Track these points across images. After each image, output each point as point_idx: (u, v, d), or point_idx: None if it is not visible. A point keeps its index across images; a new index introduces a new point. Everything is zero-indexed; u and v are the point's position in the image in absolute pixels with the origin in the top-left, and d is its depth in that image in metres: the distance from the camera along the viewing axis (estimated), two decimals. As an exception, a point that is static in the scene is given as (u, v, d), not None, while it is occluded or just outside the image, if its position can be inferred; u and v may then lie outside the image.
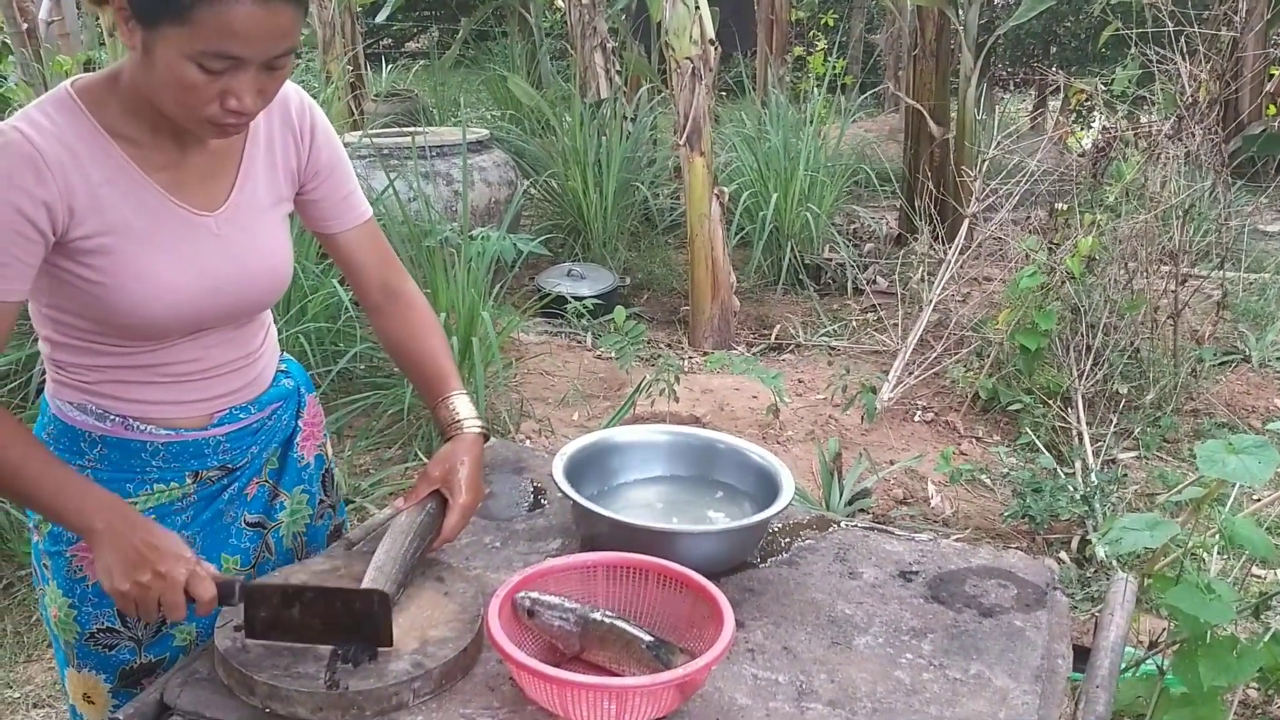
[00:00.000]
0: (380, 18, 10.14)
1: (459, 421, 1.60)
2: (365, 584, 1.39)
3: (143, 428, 1.48)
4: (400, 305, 1.67)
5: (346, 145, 5.42)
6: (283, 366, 1.67)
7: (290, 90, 1.53)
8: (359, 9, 8.68)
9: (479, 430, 1.61)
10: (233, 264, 1.44)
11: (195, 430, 1.51)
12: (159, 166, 1.39)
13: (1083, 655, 1.52)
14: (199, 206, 1.42)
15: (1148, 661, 2.16)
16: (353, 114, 7.39)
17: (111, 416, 1.47)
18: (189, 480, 1.53)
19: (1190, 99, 4.33)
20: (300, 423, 1.67)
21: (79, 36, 5.74)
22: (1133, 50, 5.01)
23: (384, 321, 1.68)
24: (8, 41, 6.24)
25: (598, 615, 1.34)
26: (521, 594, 1.35)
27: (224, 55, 1.23)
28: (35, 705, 2.71)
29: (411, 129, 6.51)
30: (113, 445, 1.47)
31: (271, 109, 1.49)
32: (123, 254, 1.35)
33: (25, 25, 5.71)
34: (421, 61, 11.46)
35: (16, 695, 2.74)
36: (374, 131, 6.06)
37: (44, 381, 1.54)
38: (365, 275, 1.65)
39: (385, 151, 5.36)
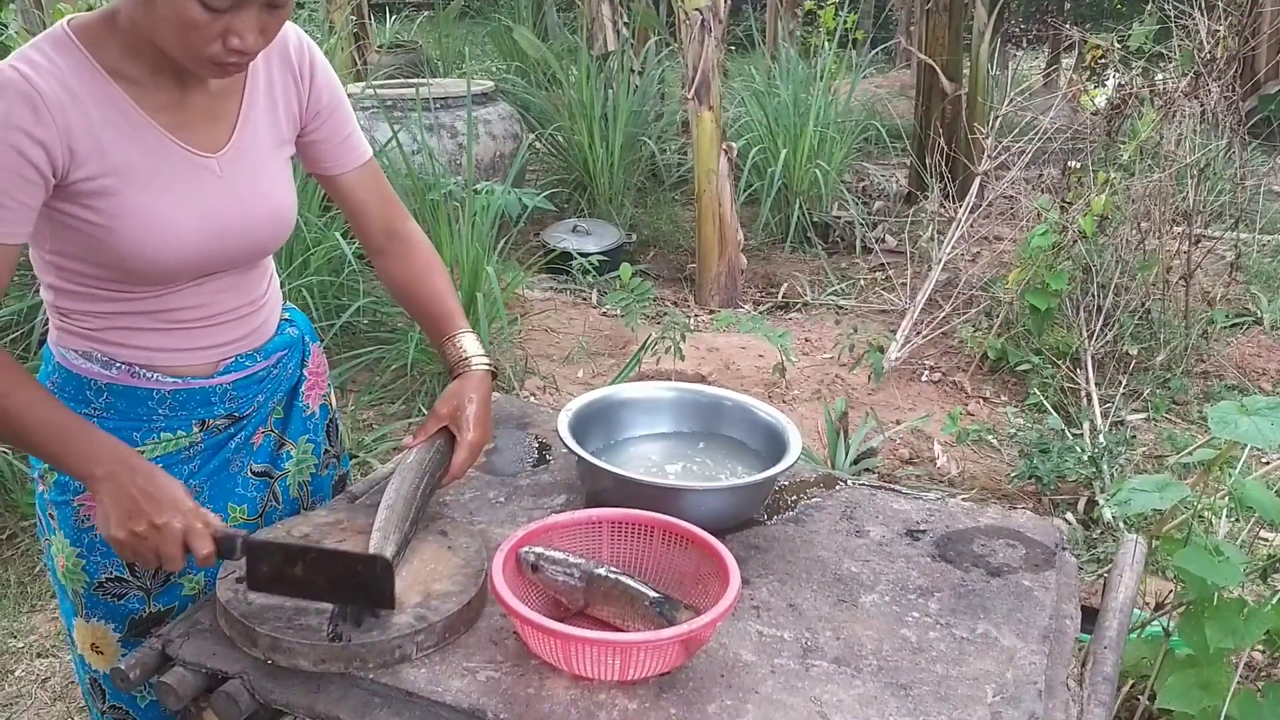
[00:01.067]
0: (385, -32, 10.01)
1: (466, 359, 1.59)
2: (376, 523, 1.39)
3: (148, 375, 1.46)
4: (403, 246, 1.66)
5: (350, 97, 5.40)
6: (286, 315, 1.66)
7: (289, 31, 1.50)
8: (363, -41, 8.56)
9: (486, 367, 1.60)
10: (236, 206, 1.43)
11: (201, 378, 1.50)
12: (160, 107, 1.36)
13: (1090, 616, 1.52)
14: (201, 148, 1.40)
15: (1154, 623, 2.15)
16: (356, 65, 7.32)
17: (117, 364, 1.45)
18: (195, 429, 1.51)
19: (1208, 56, 4.26)
20: (305, 372, 1.66)
21: (79, -16, 5.68)
22: (1150, 6, 4.92)
23: (387, 263, 1.67)
24: (9, -11, 6.17)
25: (602, 571, 1.33)
26: (526, 549, 1.34)
27: None
28: (39, 655, 2.72)
29: (415, 80, 6.44)
30: (118, 393, 1.46)
31: (270, 51, 1.47)
32: (125, 196, 1.33)
33: (26, -28, 5.65)
34: (426, 12, 11.32)
35: (20, 645, 2.75)
36: (377, 83, 5.99)
37: (46, 332, 1.52)
38: (367, 217, 1.64)
39: (389, 103, 5.31)
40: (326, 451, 1.73)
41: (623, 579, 1.32)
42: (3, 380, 1.32)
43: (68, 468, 1.36)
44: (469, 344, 1.61)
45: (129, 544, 1.31)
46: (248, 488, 1.60)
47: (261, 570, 1.32)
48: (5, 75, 1.26)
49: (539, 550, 1.34)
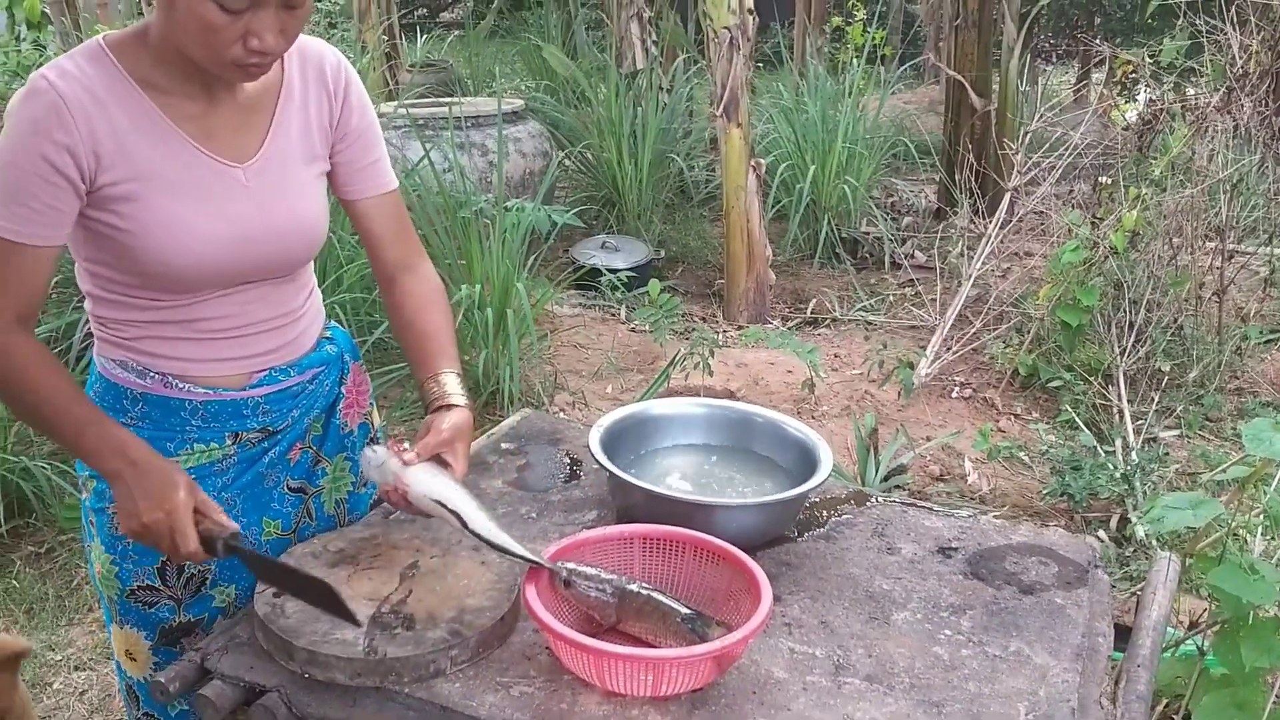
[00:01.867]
0: (416, -12, 10.11)
1: (443, 397, 1.54)
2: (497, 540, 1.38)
3: (181, 385, 1.49)
4: (410, 280, 1.63)
5: (382, 116, 5.46)
6: (328, 333, 1.67)
7: (327, 51, 1.53)
8: (395, -22, 8.66)
9: (463, 405, 1.54)
10: (261, 216, 1.44)
11: (234, 390, 1.52)
12: (188, 116, 1.39)
13: (1123, 634, 1.51)
14: (229, 157, 1.42)
15: (1188, 642, 2.13)
16: (388, 84, 7.39)
17: (151, 373, 1.48)
18: (229, 441, 1.53)
19: (1240, 70, 4.23)
20: (344, 389, 1.67)
21: (116, 6, 5.78)
22: (1181, 20, 4.89)
23: (392, 297, 1.64)
24: (48, 11, 6.29)
25: (634, 587, 1.34)
26: (559, 564, 1.35)
27: None
28: (77, 668, 2.75)
29: (446, 99, 6.49)
30: (153, 403, 1.49)
31: (307, 67, 1.50)
32: (150, 201, 1.36)
33: (65, -5, 5.76)
34: (456, 32, 11.42)
35: (59, 658, 2.78)
36: (409, 102, 6.05)
37: (85, 347, 1.56)
38: (380, 248, 1.63)
39: (420, 122, 5.36)
40: None
41: (655, 595, 1.33)
42: (33, 375, 1.37)
43: (88, 463, 1.42)
44: (452, 383, 1.55)
45: (135, 538, 1.37)
46: (283, 503, 1.62)
47: (255, 570, 1.39)
48: (34, 84, 1.31)
49: (571, 566, 1.35)
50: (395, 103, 5.99)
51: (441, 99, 6.70)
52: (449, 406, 1.53)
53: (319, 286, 1.69)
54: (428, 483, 1.41)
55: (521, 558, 1.36)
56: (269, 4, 1.27)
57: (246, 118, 1.45)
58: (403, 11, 10.42)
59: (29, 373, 1.37)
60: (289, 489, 1.63)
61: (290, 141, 1.48)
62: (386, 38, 7.62)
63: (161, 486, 1.34)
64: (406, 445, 1.47)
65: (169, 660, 1.54)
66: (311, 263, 1.62)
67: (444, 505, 1.39)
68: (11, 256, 1.34)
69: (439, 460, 1.47)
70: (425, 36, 11.21)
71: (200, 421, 1.51)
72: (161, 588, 1.54)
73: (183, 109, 1.39)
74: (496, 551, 1.38)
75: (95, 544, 1.55)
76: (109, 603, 1.57)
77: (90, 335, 1.55)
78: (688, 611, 1.31)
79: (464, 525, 1.38)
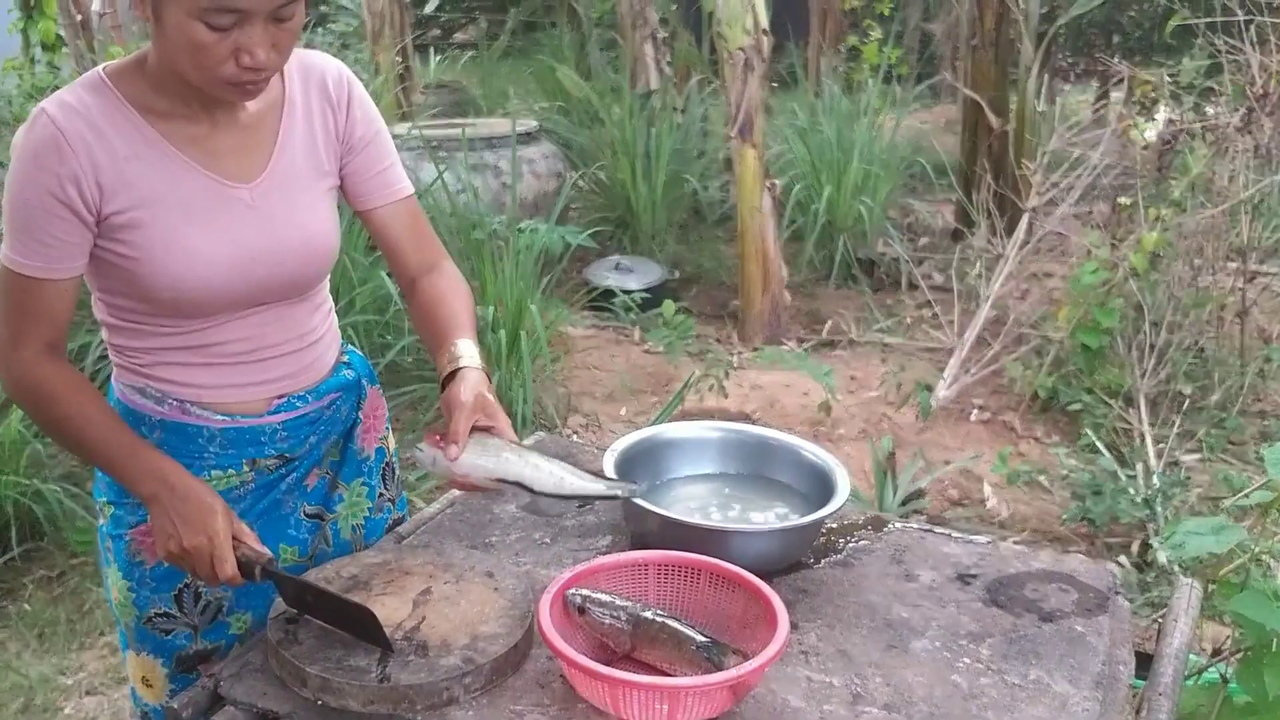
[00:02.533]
0: (429, 8, 10.20)
1: (456, 360, 1.47)
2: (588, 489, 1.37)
3: (199, 411, 1.48)
4: (435, 276, 1.59)
5: (396, 137, 5.47)
6: (345, 357, 1.66)
7: (329, 63, 1.53)
8: (407, 0, 8.72)
9: (478, 366, 1.47)
10: (268, 236, 1.44)
11: (252, 416, 1.51)
12: (191, 139, 1.39)
13: (1144, 661, 1.49)
14: (233, 178, 1.42)
15: (1210, 669, 2.10)
16: (402, 105, 7.43)
17: (169, 400, 1.48)
18: (246, 468, 1.53)
19: (1260, 90, 4.20)
20: (361, 414, 1.67)
21: (130, 28, 5.84)
22: (1200, 40, 4.87)
23: (413, 297, 1.60)
24: (62, 34, 6.36)
25: (649, 614, 1.32)
26: (573, 591, 1.34)
27: (227, 9, 1.24)
28: (88, 693, 2.75)
29: (460, 120, 6.52)
30: (171, 429, 1.48)
31: (309, 81, 1.49)
32: (154, 227, 1.36)
33: (79, 17, 5.83)
34: (470, 52, 11.48)
35: (70, 682, 2.78)
36: (423, 123, 6.08)
37: (97, 370, 1.56)
38: (402, 254, 1.60)
39: (434, 143, 5.38)
40: (381, 495, 1.73)
41: (670, 622, 1.31)
42: (71, 401, 1.39)
43: (125, 486, 1.43)
44: (464, 347, 1.48)
45: (171, 561, 1.38)
46: (299, 529, 1.61)
47: (286, 594, 1.38)
48: (35, 118, 1.32)
49: (586, 592, 1.34)
50: (409, 124, 6.01)
51: (455, 120, 6.74)
52: (458, 372, 1.46)
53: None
54: (481, 465, 1.39)
55: (604, 496, 1.34)
56: (256, 19, 1.26)
57: (250, 137, 1.44)
58: (416, 33, 10.48)
59: (66, 401, 1.39)
60: (306, 514, 1.62)
61: (296, 158, 1.48)
62: (400, 59, 7.67)
63: (201, 512, 1.35)
64: (439, 437, 1.41)
65: (185, 687, 1.53)
66: (327, 284, 1.62)
67: (505, 481, 1.38)
68: (33, 290, 1.36)
69: (482, 427, 1.41)
70: (439, 57, 11.27)
71: (218, 448, 1.50)
72: (178, 614, 1.53)
73: (185, 133, 1.39)
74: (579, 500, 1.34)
75: (112, 570, 1.54)
76: (125, 629, 1.57)
77: (103, 359, 1.56)
78: (703, 639, 1.29)
79: (533, 493, 1.37)
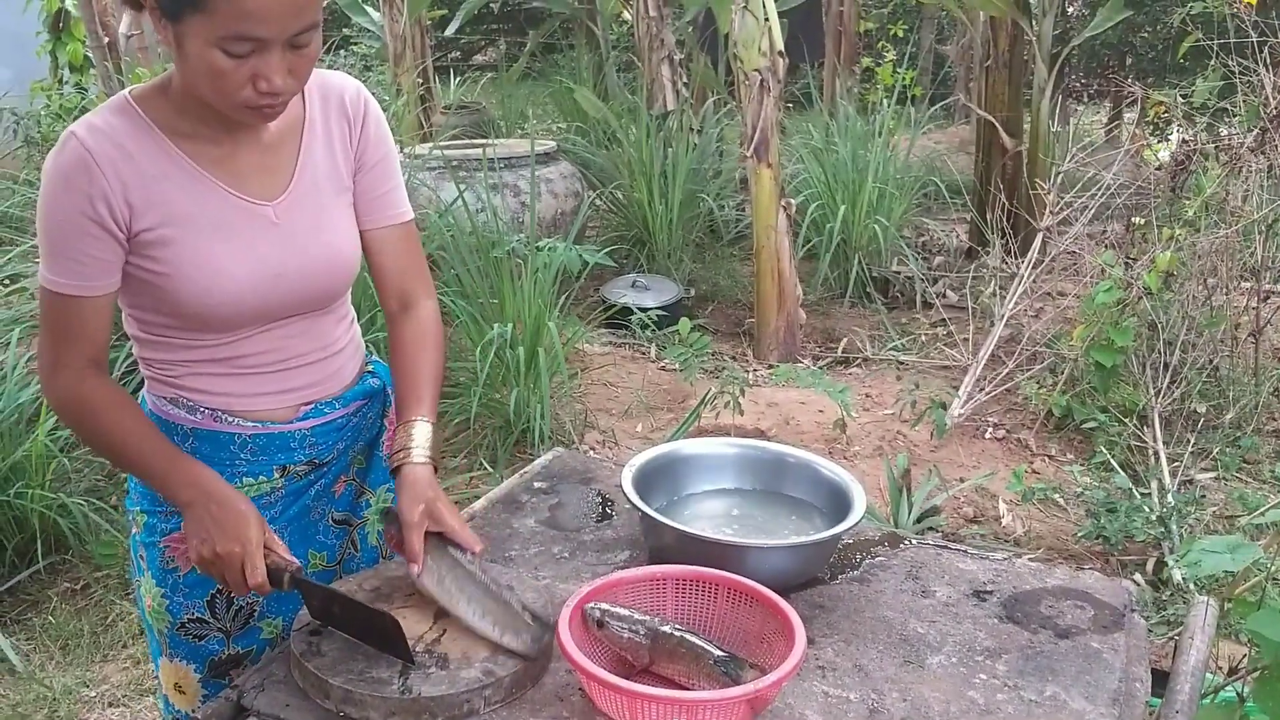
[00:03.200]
0: (449, 31, 10.27)
1: (408, 449, 1.50)
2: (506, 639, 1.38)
3: (229, 419, 1.52)
4: (411, 318, 1.62)
5: (417, 157, 5.54)
6: (369, 367, 1.69)
7: (348, 82, 1.57)
8: (429, 22, 8.80)
9: (425, 461, 1.50)
10: (294, 252, 1.47)
11: (280, 423, 1.55)
12: (215, 160, 1.43)
13: (1160, 679, 1.49)
14: (257, 196, 1.46)
15: (1227, 688, 2.10)
16: (423, 126, 7.50)
17: (201, 409, 1.52)
18: (277, 474, 1.57)
19: (1274, 110, 4.21)
20: (386, 422, 1.70)
21: (157, 50, 5.92)
22: (1213, 61, 4.88)
23: (394, 330, 1.63)
24: (90, 55, 6.45)
25: (667, 628, 1.34)
26: (591, 605, 1.35)
27: (245, 37, 1.27)
28: (111, 704, 2.77)
29: (480, 141, 6.57)
30: (203, 438, 1.52)
31: (328, 100, 1.53)
32: (182, 244, 1.40)
33: (107, 39, 5.90)
34: (489, 74, 11.58)
35: (93, 694, 2.81)
36: (444, 143, 6.13)
37: (125, 382, 1.59)
38: (385, 279, 1.62)
39: (455, 163, 5.43)
40: None
41: (688, 636, 1.33)
42: (112, 415, 1.43)
43: (163, 494, 1.47)
44: (418, 434, 1.52)
45: (204, 568, 1.41)
46: (328, 535, 1.65)
47: (313, 604, 1.42)
48: (64, 141, 1.36)
49: (604, 606, 1.35)
50: (430, 144, 6.07)
51: (475, 140, 6.80)
52: (402, 469, 1.49)
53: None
54: (426, 587, 1.43)
55: (506, 648, 1.36)
56: (274, 47, 1.29)
57: (272, 157, 1.48)
58: (437, 55, 10.58)
59: (108, 415, 1.44)
60: (334, 521, 1.66)
61: (318, 176, 1.51)
62: (421, 80, 7.74)
63: (236, 519, 1.40)
64: (395, 532, 1.46)
65: (217, 692, 1.57)
66: (349, 296, 1.65)
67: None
68: (72, 309, 1.40)
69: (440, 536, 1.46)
70: (459, 79, 11.37)
71: (249, 455, 1.54)
72: (211, 620, 1.57)
73: (209, 154, 1.43)
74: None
75: (146, 578, 1.58)
76: (159, 636, 1.60)
77: (131, 370, 1.60)
78: (721, 654, 1.30)
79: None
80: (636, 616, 1.35)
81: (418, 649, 1.36)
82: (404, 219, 1.62)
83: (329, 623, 1.41)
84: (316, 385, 1.58)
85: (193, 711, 1.60)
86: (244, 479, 1.54)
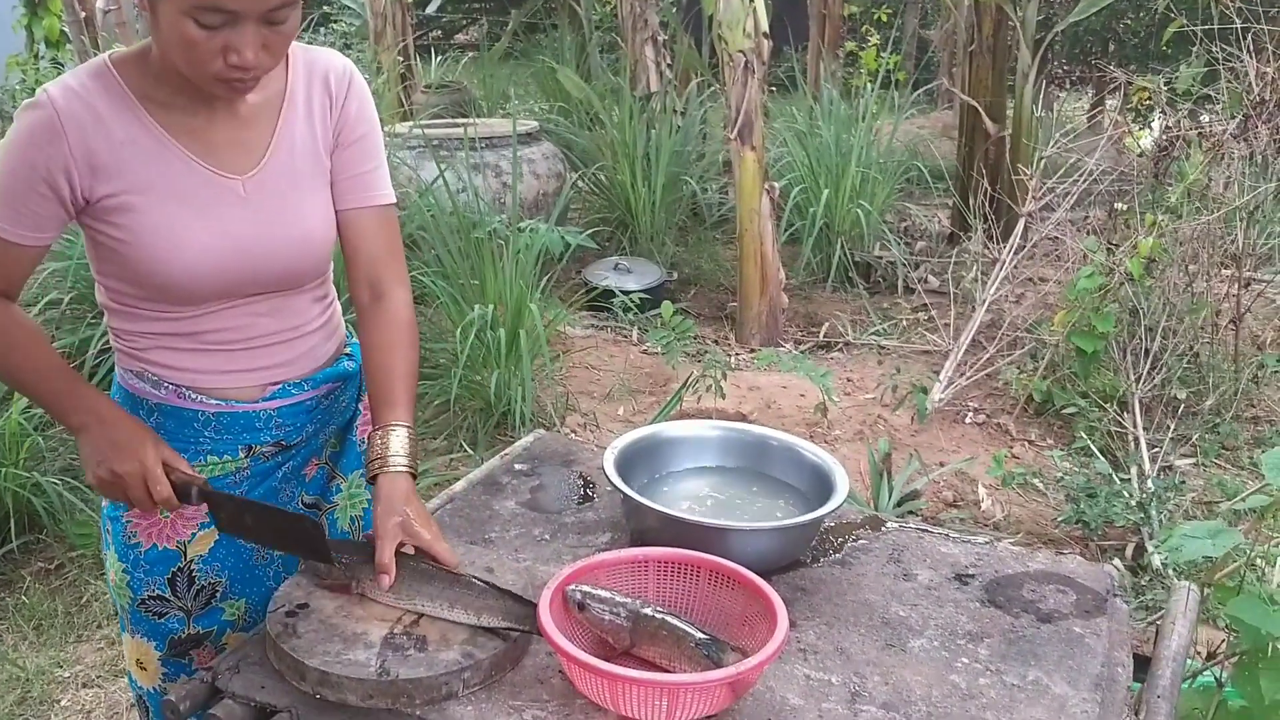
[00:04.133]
0: (430, 9, 10.21)
1: (385, 458, 1.46)
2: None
3: (194, 396, 1.50)
4: (381, 311, 1.56)
5: (397, 136, 5.49)
6: (347, 349, 1.67)
7: (335, 59, 1.54)
8: (410, 1, 8.72)
9: (404, 470, 1.46)
10: (259, 228, 1.45)
11: (246, 402, 1.53)
12: (187, 130, 1.41)
13: (1141, 664, 1.49)
14: (228, 170, 1.43)
15: (1206, 673, 2.11)
16: (403, 105, 7.43)
17: (166, 384, 1.50)
18: (242, 454, 1.54)
19: (1257, 98, 4.22)
20: (361, 406, 1.68)
21: (135, 25, 5.84)
22: (1196, 48, 4.89)
23: (364, 322, 1.57)
24: (66, 30, 6.36)
25: (649, 610, 1.32)
26: (572, 587, 1.34)
27: (216, 9, 1.25)
28: (85, 685, 2.74)
29: (461, 120, 6.52)
30: (168, 414, 1.51)
31: (313, 77, 1.50)
32: (145, 212, 1.39)
33: (84, 14, 5.82)
34: (471, 53, 11.49)
35: (67, 675, 2.78)
36: (424, 122, 6.08)
37: (99, 363, 1.59)
38: (356, 264, 1.56)
39: (435, 142, 5.38)
40: None
41: (669, 619, 1.32)
42: (16, 337, 1.45)
43: (57, 418, 1.50)
44: (395, 442, 1.47)
45: (102, 488, 1.42)
46: None
47: (221, 517, 1.43)
48: (37, 98, 1.36)
49: (586, 589, 1.34)
50: (410, 123, 6.01)
51: (456, 120, 6.74)
52: (383, 475, 1.46)
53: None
54: (393, 602, 1.40)
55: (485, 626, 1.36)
56: (247, 21, 1.27)
57: (247, 131, 1.45)
58: (418, 33, 10.48)
59: (11, 336, 1.44)
60: (304, 504, 1.64)
61: (294, 153, 1.49)
62: (402, 59, 7.67)
63: (131, 438, 1.41)
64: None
65: (177, 672, 1.57)
66: (329, 276, 1.62)
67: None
68: (2, 249, 1.40)
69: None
70: (440, 58, 11.27)
71: (213, 433, 1.52)
72: (172, 598, 1.55)
73: (182, 124, 1.41)
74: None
75: (111, 552, 1.57)
76: (122, 611, 1.60)
77: (103, 353, 1.59)
78: (703, 636, 1.29)
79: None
80: (618, 599, 1.34)
81: (395, 631, 1.35)
82: (381, 202, 1.56)
83: (241, 535, 1.43)
84: (285, 365, 1.55)
85: (155, 689, 1.60)
86: (208, 457, 1.52)
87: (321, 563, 1.36)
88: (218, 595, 1.57)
